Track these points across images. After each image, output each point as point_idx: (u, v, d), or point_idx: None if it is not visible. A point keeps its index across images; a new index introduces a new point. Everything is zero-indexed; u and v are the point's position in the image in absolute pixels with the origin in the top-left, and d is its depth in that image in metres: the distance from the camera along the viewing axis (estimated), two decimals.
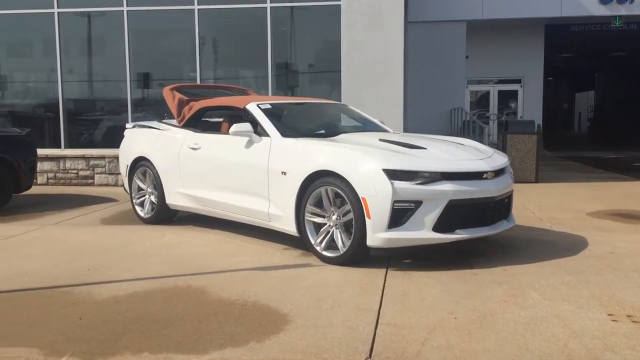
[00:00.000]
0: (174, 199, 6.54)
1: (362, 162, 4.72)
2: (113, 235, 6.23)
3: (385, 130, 6.38)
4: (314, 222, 5.08)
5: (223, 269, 4.83)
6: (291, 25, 10.63)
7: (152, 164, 6.71)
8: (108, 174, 10.55)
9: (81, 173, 10.58)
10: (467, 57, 18.67)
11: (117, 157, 10.24)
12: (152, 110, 11.10)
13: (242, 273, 4.72)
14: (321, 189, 4.94)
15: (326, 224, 5.00)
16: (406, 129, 10.41)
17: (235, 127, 5.61)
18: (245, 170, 5.64)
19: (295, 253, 5.35)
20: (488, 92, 21.13)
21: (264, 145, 5.52)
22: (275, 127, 5.62)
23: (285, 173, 5.23)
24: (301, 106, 6.57)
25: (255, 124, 5.72)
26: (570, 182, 10.61)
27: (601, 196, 8.73)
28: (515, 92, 20.95)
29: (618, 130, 28.79)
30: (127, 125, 7.57)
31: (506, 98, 21.16)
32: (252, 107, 5.93)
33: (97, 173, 10.53)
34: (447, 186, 4.65)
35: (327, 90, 10.55)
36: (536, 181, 10.39)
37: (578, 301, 3.91)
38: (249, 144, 5.67)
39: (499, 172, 5.07)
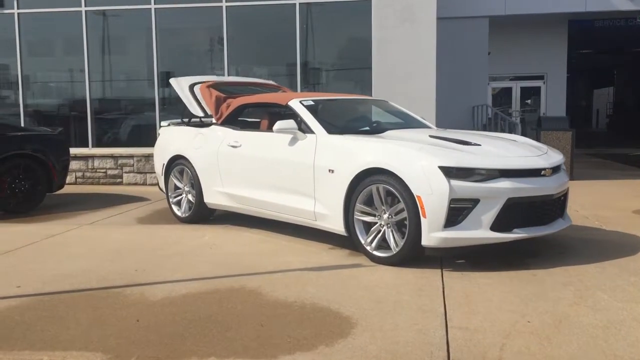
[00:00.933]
0: (212, 198, 6.43)
1: (417, 159, 4.58)
2: (153, 235, 6.13)
3: (428, 127, 6.23)
4: (363, 221, 4.95)
5: (272, 270, 4.72)
6: (320, 21, 10.50)
7: (189, 162, 6.60)
8: (137, 172, 10.48)
9: (109, 172, 10.52)
10: (489, 53, 18.45)
11: (145, 156, 10.22)
12: (179, 108, 11.02)
13: (293, 273, 4.60)
14: (372, 187, 4.81)
15: (377, 223, 4.87)
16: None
17: (279, 124, 5.49)
18: (289, 168, 5.52)
19: (342, 253, 5.22)
20: (510, 89, 20.87)
21: (309, 143, 5.40)
22: (320, 124, 5.50)
23: (332, 171, 5.11)
24: (343, 102, 6.44)
25: (298, 121, 5.60)
26: (605, 179, 10.40)
27: None
28: (538, 89, 20.69)
29: (638, 127, 28.42)
30: (163, 124, 7.48)
31: (528, 94, 20.90)
32: (295, 104, 5.81)
33: (126, 172, 10.46)
34: (505, 184, 4.50)
35: (356, 87, 10.41)
36: (571, 179, 10.19)
37: None
38: (293, 141, 5.54)
39: (555, 169, 4.91)
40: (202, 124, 6.99)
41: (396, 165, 4.63)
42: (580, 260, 4.77)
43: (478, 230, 4.50)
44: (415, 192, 4.51)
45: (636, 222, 6.40)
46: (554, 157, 5.03)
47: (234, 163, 6.13)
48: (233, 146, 6.15)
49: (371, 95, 9.75)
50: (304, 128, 5.55)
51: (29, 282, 4.49)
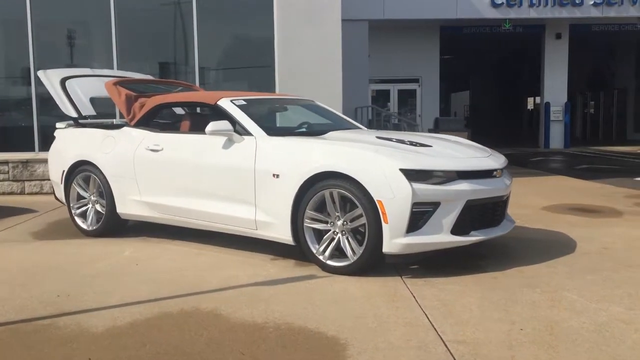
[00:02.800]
0: (127, 208, 5.78)
1: (376, 162, 4.34)
2: (59, 252, 5.38)
3: (360, 128, 6.04)
4: (314, 229, 4.63)
5: (221, 287, 4.25)
6: (219, 19, 9.98)
7: (98, 168, 5.89)
8: (12, 181, 9.30)
9: None
10: (369, 56, 18.80)
11: (23, 162, 9.16)
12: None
13: (247, 290, 4.18)
14: (325, 192, 4.50)
15: (329, 230, 4.57)
16: None
17: (212, 126, 5.01)
18: (224, 173, 5.06)
19: (287, 263, 4.86)
20: (388, 91, 21.44)
21: (248, 145, 4.98)
22: (258, 125, 5.10)
23: (277, 175, 4.73)
24: (271, 102, 6.06)
25: (232, 122, 5.15)
26: None
27: (537, 191, 8.97)
28: (414, 91, 21.45)
29: (492, 128, 30.63)
30: (59, 125, 6.63)
31: (405, 97, 21.61)
32: (226, 103, 5.35)
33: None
34: (464, 186, 4.40)
35: (259, 87, 10.03)
36: None
37: (623, 301, 3.79)
38: (228, 144, 5.09)
39: (502, 170, 4.91)
40: (112, 125, 6.28)
41: (353, 169, 4.36)
42: (528, 261, 4.79)
43: (439, 235, 4.35)
44: (375, 197, 4.27)
45: (551, 218, 6.65)
46: (500, 158, 5.04)
47: (155, 169, 5.53)
48: (153, 150, 5.55)
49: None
50: (239, 130, 5.12)
51: None
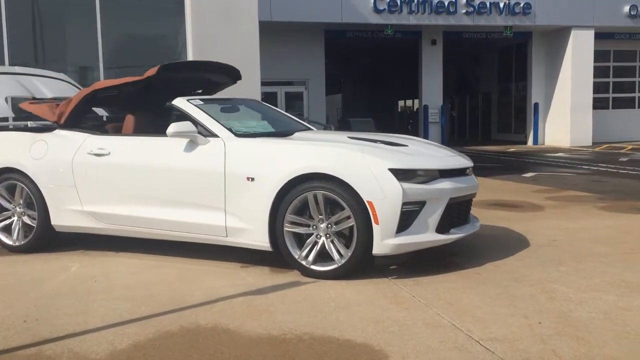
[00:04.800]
0: (65, 220, 5.21)
1: (364, 162, 4.25)
2: None
3: (313, 128, 5.91)
4: (294, 233, 4.45)
5: (206, 300, 3.95)
6: (126, 13, 9.37)
7: (27, 176, 5.26)
8: None
9: None
10: None
11: None
12: None
13: (237, 301, 3.91)
14: (308, 195, 4.33)
15: (312, 234, 4.41)
16: None
17: (175, 127, 4.65)
18: (187, 178, 4.72)
19: (262, 271, 4.64)
20: (276, 93, 21.38)
21: (215, 148, 4.68)
22: (224, 125, 4.81)
23: (252, 179, 4.49)
24: (224, 102, 5.72)
25: (194, 122, 4.81)
26: None
27: None
28: (301, 94, 21.58)
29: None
30: None
31: (293, 99, 21.68)
32: (182, 103, 5.00)
33: None
34: (446, 184, 4.44)
35: None
36: None
37: (607, 289, 4.02)
38: (191, 146, 4.75)
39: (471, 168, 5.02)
40: (42, 128, 5.63)
41: (340, 170, 4.24)
42: (496, 255, 4.93)
43: (426, 234, 4.36)
44: (365, 198, 4.18)
45: (481, 214, 6.90)
46: (466, 157, 5.15)
47: (101, 175, 5.04)
48: (98, 154, 5.05)
49: None
50: (201, 131, 4.80)
51: None
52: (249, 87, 8.94)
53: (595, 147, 19.24)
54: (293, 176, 4.35)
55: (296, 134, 5.10)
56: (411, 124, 30.29)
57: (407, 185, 4.23)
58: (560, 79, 21.56)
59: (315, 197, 4.33)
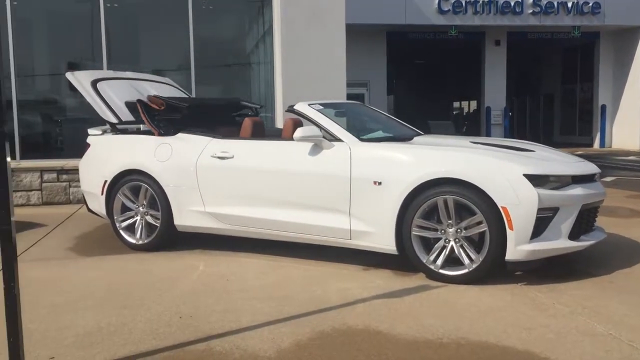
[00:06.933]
0: (187, 220, 5.38)
1: (498, 168, 4.27)
2: (126, 270, 4.94)
3: (420, 133, 5.93)
4: (421, 237, 4.49)
5: (346, 302, 4.02)
6: (216, 18, 9.59)
7: (151, 178, 5.45)
8: None
9: None
10: None
11: (19, 170, 8.37)
12: (42, 110, 9.31)
13: (376, 304, 3.97)
14: (437, 199, 4.37)
15: (440, 238, 4.45)
16: None
17: (301, 132, 4.76)
18: (312, 181, 4.82)
19: (385, 274, 4.69)
20: None
21: (340, 152, 4.76)
22: (348, 130, 4.90)
23: (380, 183, 4.56)
24: (335, 107, 5.82)
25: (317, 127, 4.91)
26: None
27: None
28: (362, 96, 21.61)
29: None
30: (91, 132, 6.09)
31: (354, 100, 21.71)
32: (304, 107, 5.11)
33: None
34: (578, 190, 4.41)
35: (259, 88, 9.73)
36: None
37: None
38: (315, 150, 4.85)
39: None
40: (163, 131, 5.81)
41: (473, 175, 4.27)
42: (622, 263, 4.85)
43: (558, 240, 4.33)
44: (499, 203, 4.19)
45: None
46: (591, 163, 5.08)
47: (224, 177, 5.19)
48: (221, 157, 5.21)
49: (274, 97, 9.20)
50: (325, 135, 4.89)
51: (49, 351, 3.23)
52: (335, 90, 9.07)
53: None
54: (423, 181, 4.39)
55: (416, 139, 5.15)
56: (466, 126, 30.00)
57: (541, 191, 4.22)
58: (629, 80, 20.99)
59: (445, 202, 4.36)
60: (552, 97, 27.39)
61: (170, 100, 5.75)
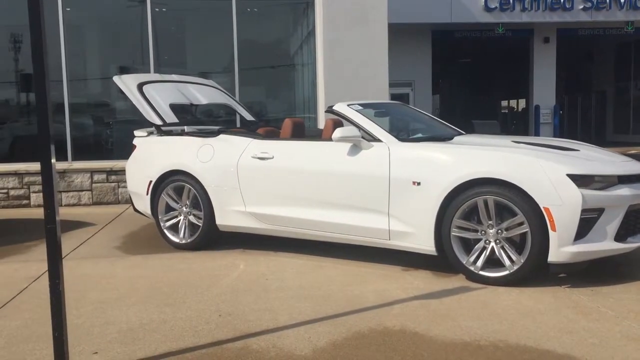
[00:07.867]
0: (228, 220, 5.47)
1: (541, 168, 4.18)
2: (171, 268, 5.04)
3: (461, 132, 5.87)
4: (460, 238, 4.44)
5: (382, 302, 4.02)
6: (259, 20, 9.70)
7: (194, 178, 5.56)
8: None
9: (12, 193, 8.71)
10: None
11: (60, 173, 8.66)
12: (92, 113, 9.59)
13: (413, 305, 3.95)
14: (477, 200, 4.31)
15: (480, 239, 4.39)
16: None
17: (340, 132, 4.78)
18: (351, 182, 4.82)
19: (424, 274, 4.66)
20: None
21: (379, 152, 4.75)
22: (387, 130, 4.88)
23: (419, 183, 4.53)
24: (375, 107, 5.82)
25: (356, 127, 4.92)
26: None
27: None
28: (407, 95, 21.46)
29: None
30: (138, 133, 6.26)
31: (398, 100, 21.60)
32: (343, 108, 5.12)
33: (34, 192, 8.72)
34: (625, 191, 4.27)
35: (300, 87, 9.79)
36: None
37: None
38: (354, 151, 4.86)
39: None
40: (206, 133, 5.93)
41: (515, 175, 4.19)
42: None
43: (604, 242, 4.22)
44: (541, 204, 4.11)
45: None
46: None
47: (264, 178, 5.25)
48: (261, 158, 5.27)
49: (316, 98, 9.23)
50: (364, 135, 4.89)
51: (93, 346, 3.34)
52: (378, 90, 9.04)
53: None
54: (462, 181, 4.35)
55: (456, 138, 5.09)
56: (515, 124, 29.41)
57: (585, 191, 4.12)
58: None
59: (485, 202, 4.31)
60: (605, 94, 26.60)
61: None
